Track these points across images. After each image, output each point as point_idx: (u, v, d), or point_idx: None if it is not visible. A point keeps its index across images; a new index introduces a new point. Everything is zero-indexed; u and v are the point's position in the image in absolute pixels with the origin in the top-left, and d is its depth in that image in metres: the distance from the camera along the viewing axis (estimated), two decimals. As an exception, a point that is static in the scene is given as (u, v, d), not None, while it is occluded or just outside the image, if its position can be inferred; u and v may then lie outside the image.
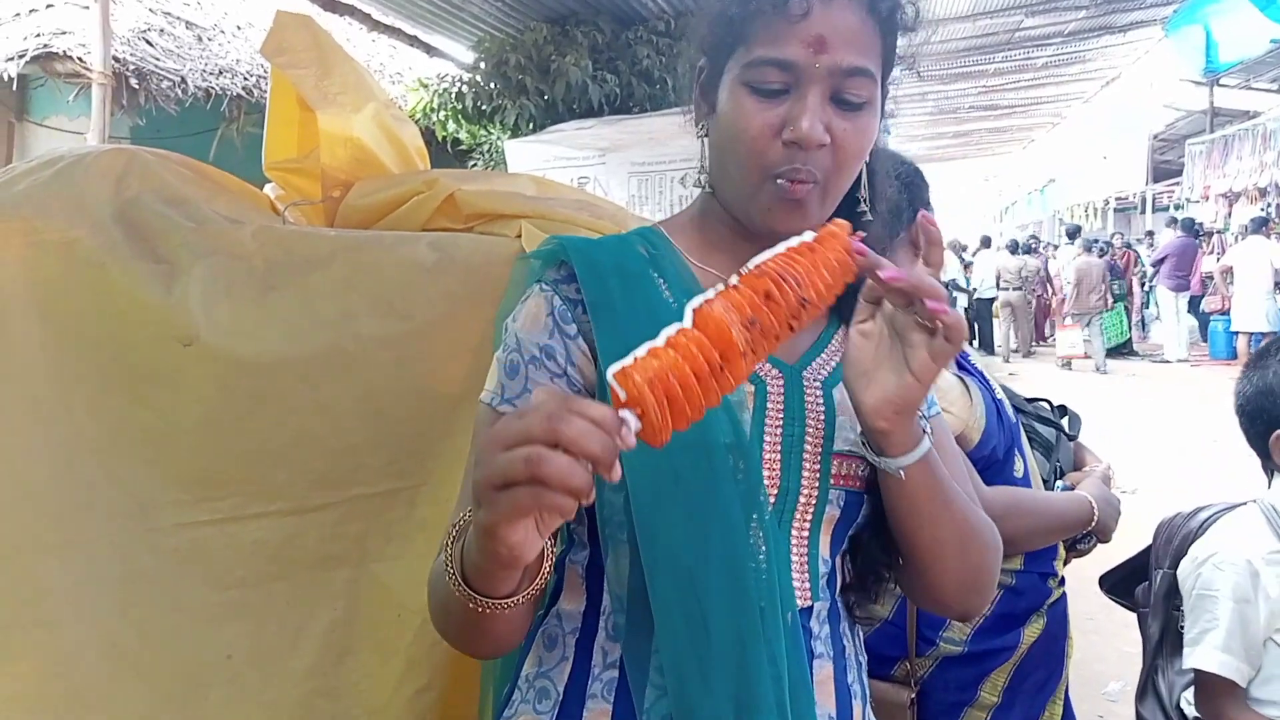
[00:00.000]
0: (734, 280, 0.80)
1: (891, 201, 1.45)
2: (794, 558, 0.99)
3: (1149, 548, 1.78)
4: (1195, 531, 1.68)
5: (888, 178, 1.25)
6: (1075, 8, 11.98)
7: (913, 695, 1.59)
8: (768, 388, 1.00)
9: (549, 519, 0.73)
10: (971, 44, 13.33)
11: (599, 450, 0.67)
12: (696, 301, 0.77)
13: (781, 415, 0.99)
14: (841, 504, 1.01)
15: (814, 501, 0.99)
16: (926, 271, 0.89)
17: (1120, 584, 1.84)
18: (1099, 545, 1.76)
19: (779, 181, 0.95)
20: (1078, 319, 13.42)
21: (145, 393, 1.39)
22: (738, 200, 1.01)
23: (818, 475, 0.99)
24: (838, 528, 1.02)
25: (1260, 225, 10.65)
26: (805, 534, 1.00)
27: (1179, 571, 1.64)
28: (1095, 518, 1.66)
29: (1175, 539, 1.71)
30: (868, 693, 1.09)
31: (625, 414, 0.70)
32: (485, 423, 1.01)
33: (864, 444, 0.96)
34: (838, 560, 1.05)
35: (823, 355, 1.06)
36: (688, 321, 0.75)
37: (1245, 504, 1.68)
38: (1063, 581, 1.72)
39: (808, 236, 0.85)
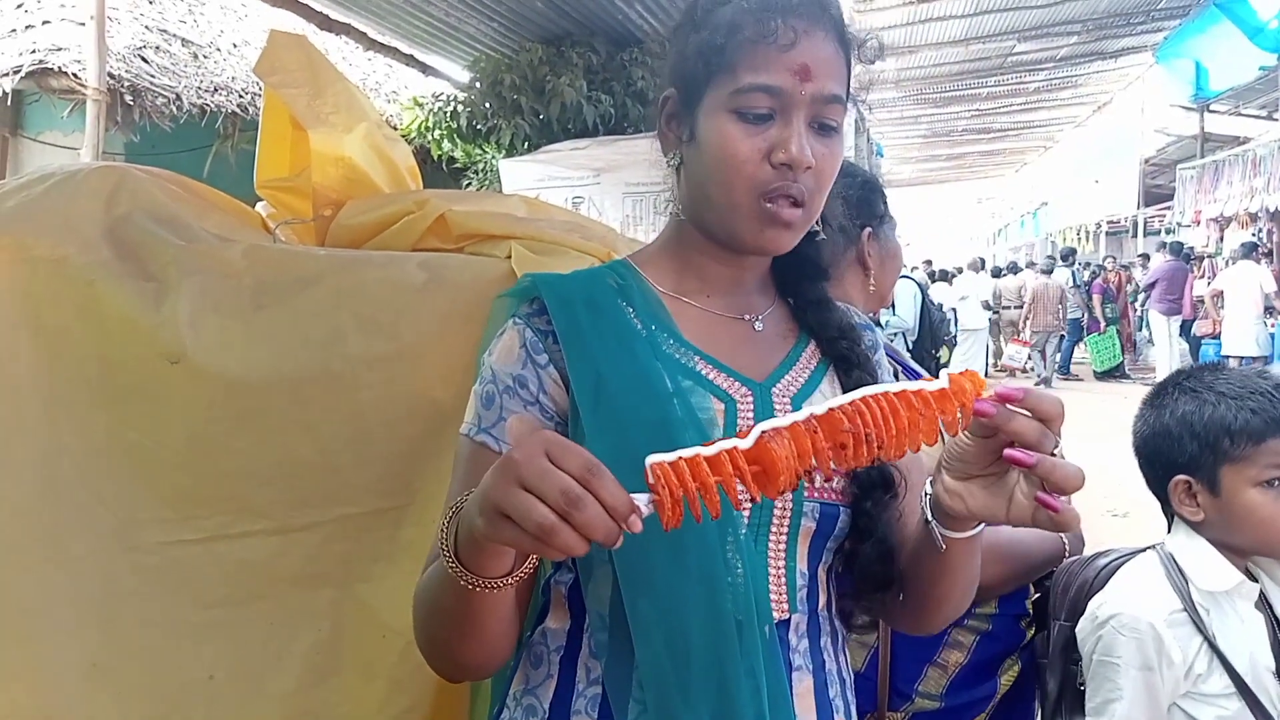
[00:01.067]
0: (822, 410, 0.80)
1: (838, 219, 1.47)
2: (771, 570, 1.00)
3: (1044, 594, 1.62)
4: (1092, 582, 1.54)
5: (834, 197, 1.28)
6: (1067, 33, 12.11)
7: None
8: (738, 405, 1.02)
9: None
10: (965, 68, 13.46)
11: (602, 537, 0.73)
12: (768, 425, 0.79)
13: None
14: (817, 517, 1.02)
15: (789, 514, 1.01)
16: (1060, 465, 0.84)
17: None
18: None
19: (767, 205, 0.98)
20: (1035, 336, 14.00)
21: (131, 410, 1.38)
22: (723, 223, 1.03)
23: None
24: (814, 540, 1.03)
25: (1250, 250, 10.72)
26: (782, 547, 1.01)
27: (1078, 630, 1.50)
28: (1066, 553, 1.62)
29: (1071, 589, 1.56)
30: (852, 710, 1.09)
31: (640, 499, 0.75)
32: (465, 455, 1.03)
33: (925, 497, 0.96)
34: (820, 573, 1.06)
35: (791, 372, 1.08)
36: (749, 441, 0.78)
37: (1144, 550, 1.56)
38: (1033, 622, 1.66)
39: (934, 386, 0.82)
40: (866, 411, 0.79)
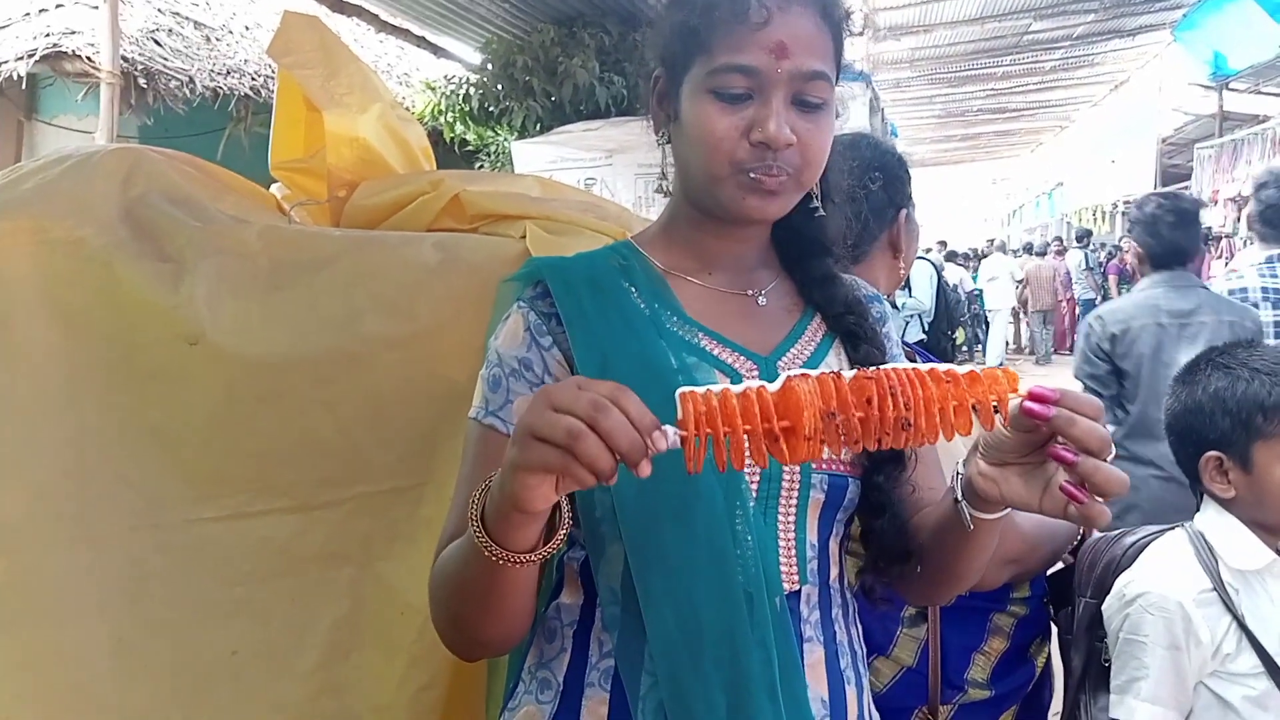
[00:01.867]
0: (850, 373, 0.80)
1: (873, 197, 1.46)
2: (781, 543, 1.01)
3: (1072, 567, 1.62)
4: (1120, 559, 1.53)
5: (861, 168, 1.25)
6: (1084, 11, 11.96)
7: None
8: (743, 378, 1.02)
9: (568, 483, 0.79)
10: (980, 47, 13.31)
11: (626, 446, 0.74)
12: (795, 372, 0.79)
13: None
14: (825, 488, 1.03)
15: (797, 486, 1.02)
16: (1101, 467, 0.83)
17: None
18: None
19: (750, 175, 0.99)
20: (1032, 316, 14.88)
21: (152, 391, 1.40)
22: (706, 195, 1.04)
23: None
24: (824, 512, 1.04)
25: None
26: (791, 519, 1.02)
27: (1104, 608, 1.50)
28: (1080, 529, 1.62)
29: (1098, 566, 1.55)
30: (864, 681, 1.10)
31: (668, 428, 0.76)
32: (474, 438, 1.05)
33: (956, 476, 0.95)
34: (831, 545, 1.07)
35: (797, 345, 1.09)
36: (776, 385, 0.78)
37: (1173, 529, 1.55)
38: (1049, 599, 1.66)
39: (964, 369, 0.82)
40: (894, 375, 0.79)
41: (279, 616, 1.38)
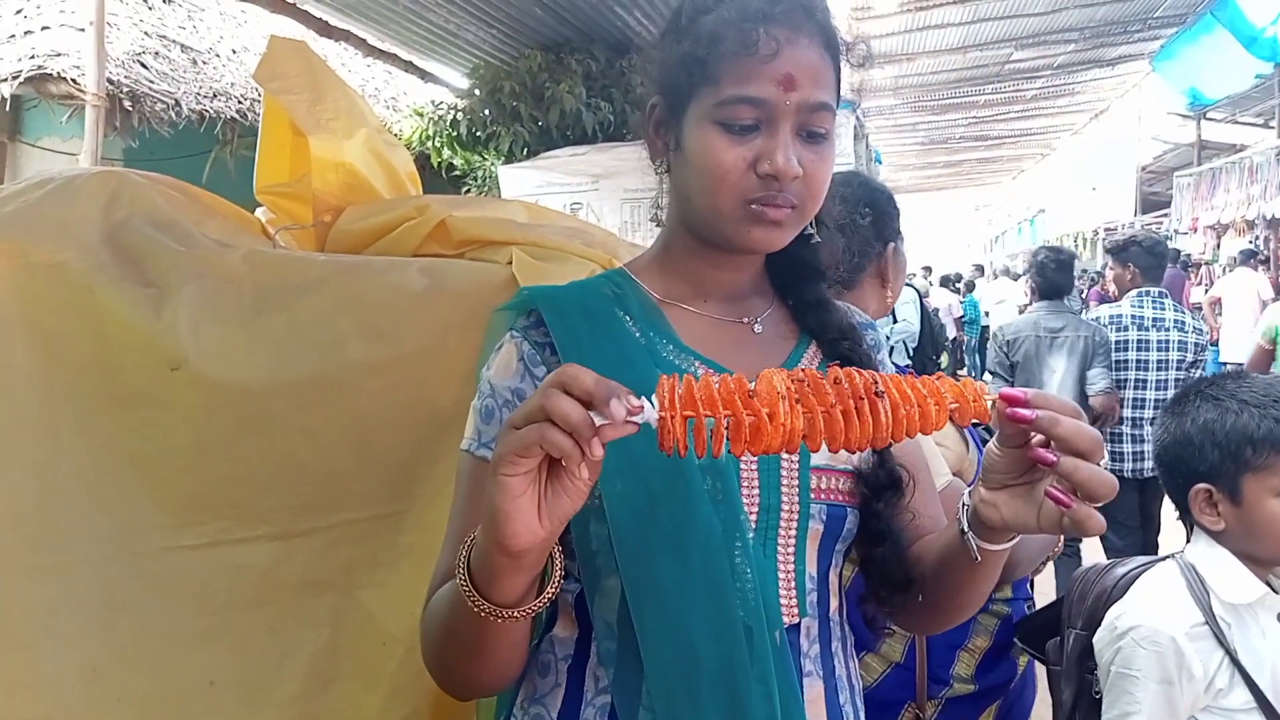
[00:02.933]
0: (838, 371, 0.81)
1: (862, 231, 1.48)
2: (780, 574, 1.00)
3: (1062, 598, 1.61)
4: (1110, 591, 1.52)
5: (852, 204, 1.25)
6: (1064, 41, 12.14)
7: None
8: None
9: (553, 503, 0.78)
10: (962, 75, 13.48)
11: (577, 420, 0.73)
12: (772, 369, 0.80)
13: None
14: (824, 519, 1.02)
15: (796, 517, 1.01)
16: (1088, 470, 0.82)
17: (1032, 635, 1.65)
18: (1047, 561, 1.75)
19: (754, 206, 0.98)
20: None
21: (132, 416, 1.38)
22: (709, 226, 1.03)
23: (797, 490, 1.01)
24: (823, 543, 1.03)
25: (1248, 257, 10.72)
26: (791, 550, 1.01)
27: (1095, 640, 1.49)
28: (1061, 537, 1.67)
29: (1089, 597, 1.54)
30: (861, 716, 1.09)
31: (647, 403, 0.75)
32: (466, 471, 1.03)
33: (963, 508, 0.94)
34: (831, 576, 1.06)
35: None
36: (749, 382, 0.79)
37: (1163, 560, 1.54)
38: (1033, 604, 1.73)
39: (944, 381, 0.83)
40: (857, 373, 0.80)
41: (257, 646, 1.35)
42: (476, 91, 7.35)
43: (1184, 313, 4.46)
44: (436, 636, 0.96)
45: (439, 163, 7.59)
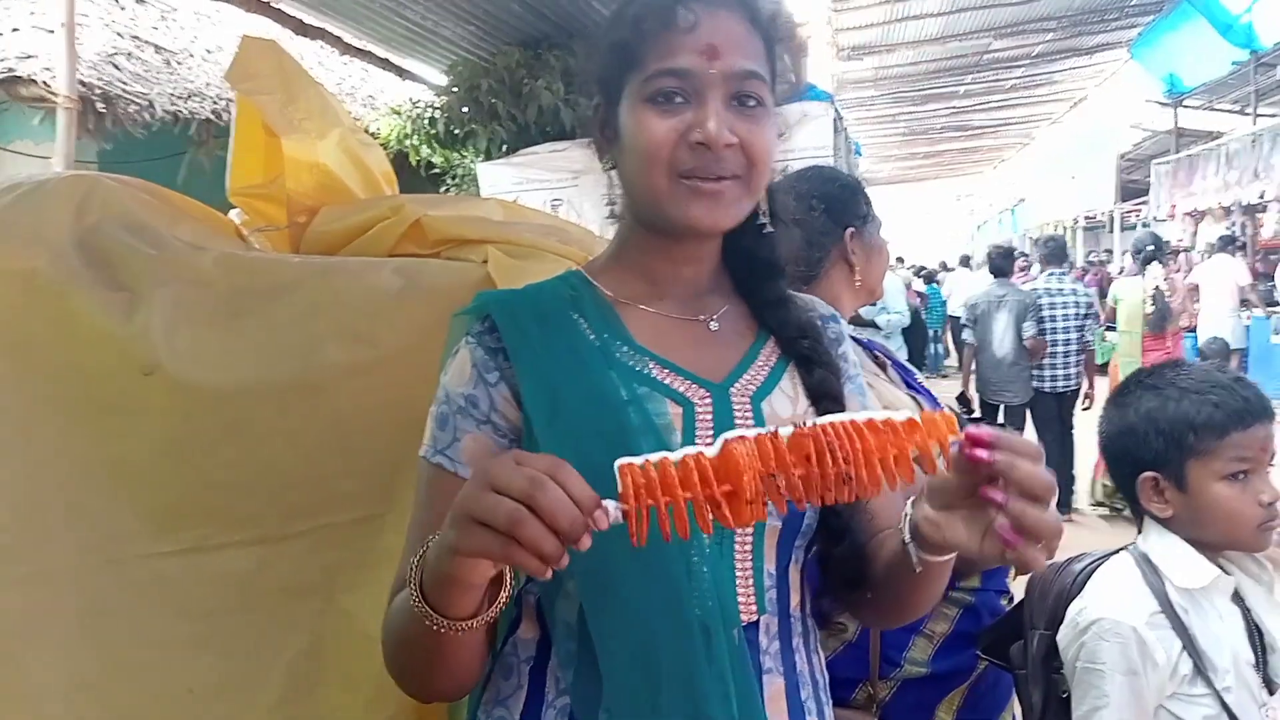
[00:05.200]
0: (788, 430, 0.79)
1: (814, 222, 1.50)
2: (738, 573, 0.99)
3: (1021, 603, 1.59)
4: (1070, 588, 1.52)
5: (803, 198, 1.34)
6: (1042, 30, 12.20)
7: None
8: (695, 408, 1.01)
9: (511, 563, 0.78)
10: (941, 66, 13.53)
11: (566, 525, 0.73)
12: (732, 434, 0.78)
13: (711, 434, 0.99)
14: (783, 516, 0.99)
15: None
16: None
17: (996, 644, 1.60)
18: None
19: (688, 182, 0.98)
20: None
21: (107, 423, 1.37)
22: (652, 209, 1.02)
23: None
24: (782, 539, 1.02)
25: (1226, 244, 10.81)
26: (749, 548, 1.00)
27: (1059, 638, 1.48)
28: None
29: (1049, 596, 1.54)
30: (826, 711, 1.09)
31: (609, 504, 0.75)
32: (424, 478, 1.04)
33: (906, 518, 0.93)
34: (792, 572, 1.06)
35: (750, 371, 1.07)
36: (714, 449, 0.78)
37: (1117, 552, 1.55)
38: (1013, 599, 1.70)
39: (902, 416, 0.80)
40: (835, 430, 0.78)
41: (240, 652, 1.35)
42: (455, 89, 7.32)
43: (1077, 285, 6.92)
44: (394, 644, 0.97)
45: (418, 161, 7.57)
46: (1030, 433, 6.43)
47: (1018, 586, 1.72)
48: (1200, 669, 1.39)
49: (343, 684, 1.36)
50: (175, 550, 1.35)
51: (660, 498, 0.75)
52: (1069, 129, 19.17)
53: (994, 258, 7.13)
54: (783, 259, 1.13)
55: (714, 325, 1.09)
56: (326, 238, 1.62)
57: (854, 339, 1.37)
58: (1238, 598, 1.48)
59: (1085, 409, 6.54)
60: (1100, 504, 6.43)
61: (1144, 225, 16.27)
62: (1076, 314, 6.58)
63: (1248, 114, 12.90)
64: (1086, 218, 20.02)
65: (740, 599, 0.99)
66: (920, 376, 1.79)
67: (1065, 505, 6.29)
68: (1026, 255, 17.40)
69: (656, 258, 1.07)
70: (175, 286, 1.41)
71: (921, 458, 0.80)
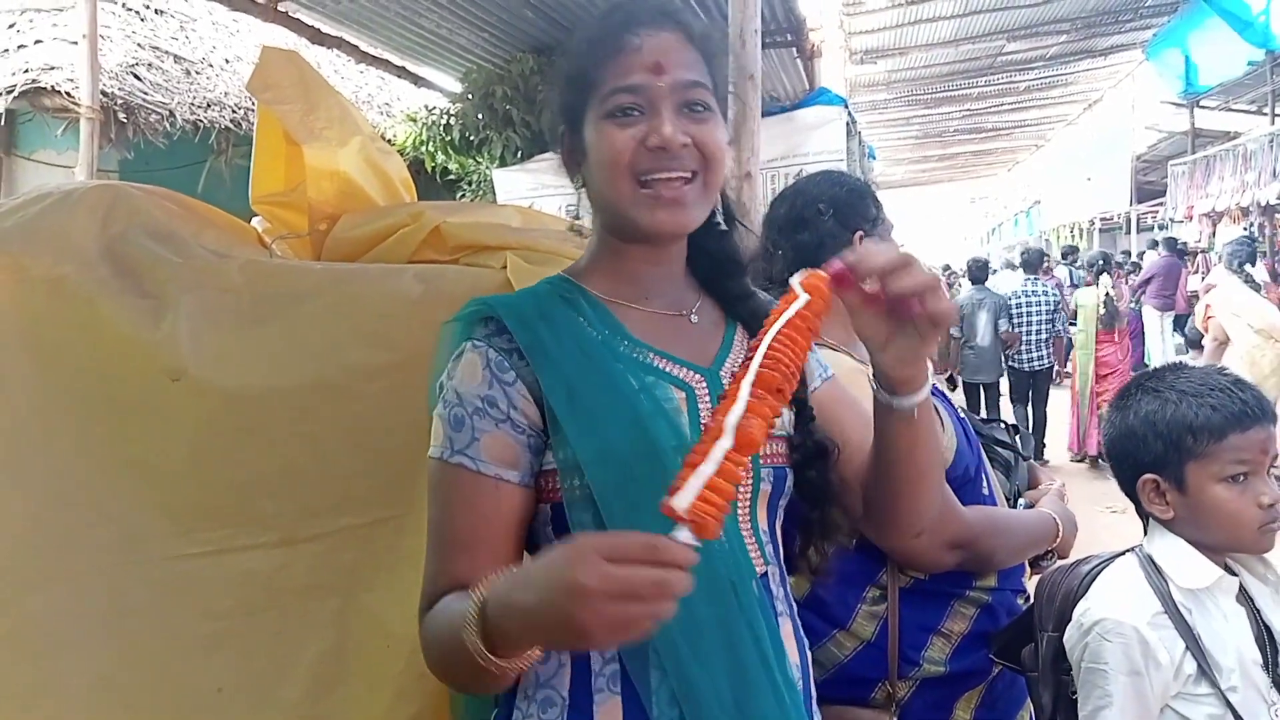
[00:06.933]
0: (750, 375, 0.92)
1: (821, 225, 1.66)
2: (743, 533, 1.12)
3: (1032, 606, 1.61)
4: (1076, 589, 1.53)
5: (811, 200, 1.56)
6: (1057, 32, 12.12)
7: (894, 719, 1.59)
8: (696, 391, 1.12)
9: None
10: (955, 69, 13.46)
11: (685, 591, 0.82)
12: (734, 419, 0.89)
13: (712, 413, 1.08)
14: (772, 480, 1.14)
15: (750, 481, 1.12)
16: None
17: (1008, 647, 1.62)
18: (1057, 560, 1.77)
19: (646, 190, 1.08)
20: None
21: (134, 427, 1.39)
22: (620, 217, 1.11)
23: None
24: (771, 500, 1.16)
25: (1246, 245, 10.74)
26: (747, 510, 1.13)
27: (1065, 639, 1.50)
28: (1060, 534, 1.71)
29: (1057, 598, 1.55)
30: (806, 642, 1.21)
31: (685, 536, 0.84)
32: (439, 478, 1.08)
33: (879, 387, 1.09)
34: (777, 529, 1.19)
35: (731, 354, 1.19)
36: (729, 438, 0.88)
37: (1123, 553, 1.56)
38: (1029, 598, 1.70)
39: (803, 301, 0.95)
40: (782, 354, 0.92)
41: (262, 651, 1.37)
42: (469, 96, 7.36)
43: (1046, 288, 9.06)
44: (438, 655, 1.03)
45: (433, 167, 7.61)
46: (1006, 403, 9.08)
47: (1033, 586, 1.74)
48: (1204, 669, 1.39)
49: (365, 683, 1.38)
50: (200, 551, 1.38)
51: (723, 505, 0.86)
52: (1084, 131, 19.04)
53: (973, 269, 9.26)
54: (743, 257, 1.25)
55: (694, 318, 1.20)
56: (347, 244, 1.65)
57: None
58: (1244, 599, 1.48)
59: (1056, 384, 9.08)
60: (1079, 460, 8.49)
61: (1160, 227, 16.17)
62: (1047, 310, 8.78)
63: (1265, 114, 12.80)
64: (1102, 219, 19.90)
65: (751, 554, 1.11)
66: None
67: (1039, 456, 8.23)
68: (1046, 257, 17.41)
69: (635, 261, 1.17)
70: (200, 293, 1.44)
71: (811, 303, 0.96)
